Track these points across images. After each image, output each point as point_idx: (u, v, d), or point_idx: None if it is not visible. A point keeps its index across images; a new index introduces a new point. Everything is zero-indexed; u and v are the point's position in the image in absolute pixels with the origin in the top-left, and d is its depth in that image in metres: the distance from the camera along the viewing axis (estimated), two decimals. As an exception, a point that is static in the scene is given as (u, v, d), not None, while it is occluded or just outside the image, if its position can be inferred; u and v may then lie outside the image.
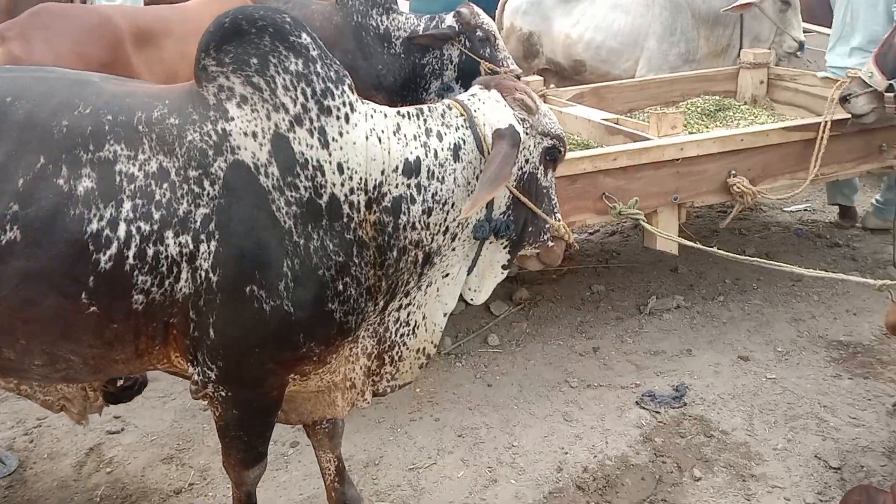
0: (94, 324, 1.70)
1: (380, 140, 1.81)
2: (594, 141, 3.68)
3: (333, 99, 1.77)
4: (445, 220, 1.89)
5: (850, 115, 3.35)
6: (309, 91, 1.75)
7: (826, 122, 3.35)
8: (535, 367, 3.31)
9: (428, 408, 3.06)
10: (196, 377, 1.84)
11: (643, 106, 4.39)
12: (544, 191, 2.05)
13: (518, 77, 4.13)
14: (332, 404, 2.10)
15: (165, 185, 1.69)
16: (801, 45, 4.82)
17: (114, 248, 1.65)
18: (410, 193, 1.83)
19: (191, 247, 1.69)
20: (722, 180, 3.29)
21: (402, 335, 2.03)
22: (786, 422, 2.92)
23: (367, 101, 1.89)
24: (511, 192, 1.96)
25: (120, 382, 2.29)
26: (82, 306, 1.67)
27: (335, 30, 3.82)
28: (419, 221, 1.85)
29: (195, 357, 1.80)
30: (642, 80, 4.50)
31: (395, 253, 1.85)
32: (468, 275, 2.05)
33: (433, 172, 1.85)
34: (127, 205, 1.66)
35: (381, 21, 3.85)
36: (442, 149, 1.88)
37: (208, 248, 1.69)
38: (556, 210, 2.10)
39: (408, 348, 2.05)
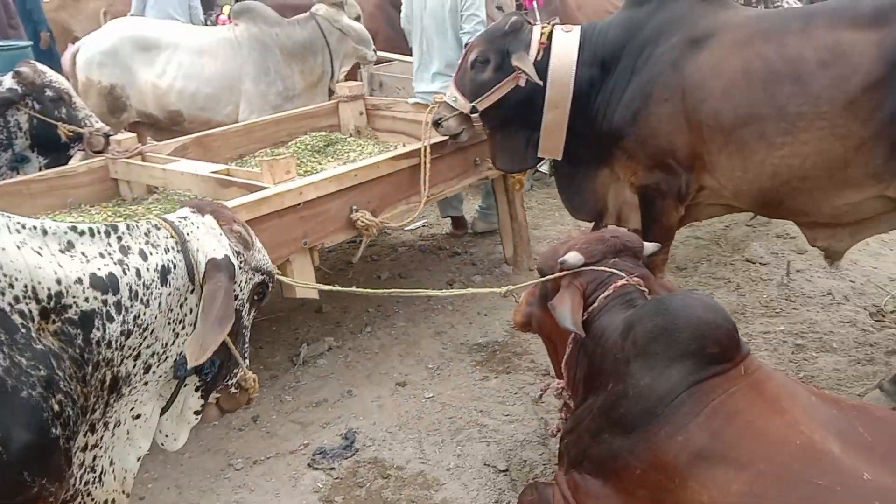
0: None
1: (40, 252, 1.56)
2: (208, 196, 3.40)
3: None
4: (140, 345, 1.72)
5: (446, 137, 3.60)
6: None
7: (426, 147, 3.55)
8: (191, 459, 2.93)
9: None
10: None
11: (253, 150, 4.23)
12: (244, 331, 1.95)
13: (107, 136, 3.68)
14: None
15: None
16: (375, 52, 5.24)
17: None
18: (107, 310, 1.63)
19: None
20: (346, 217, 3.28)
21: (86, 482, 1.71)
22: (452, 437, 3.00)
23: (10, 215, 1.59)
24: None
25: None
26: None
27: None
28: (115, 341, 1.66)
29: None
30: (247, 125, 4.34)
31: (90, 368, 1.62)
32: (161, 417, 1.89)
33: (136, 293, 1.69)
34: None
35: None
36: (147, 269, 1.72)
37: None
38: (246, 355, 1.99)
39: (93, 499, 1.73)
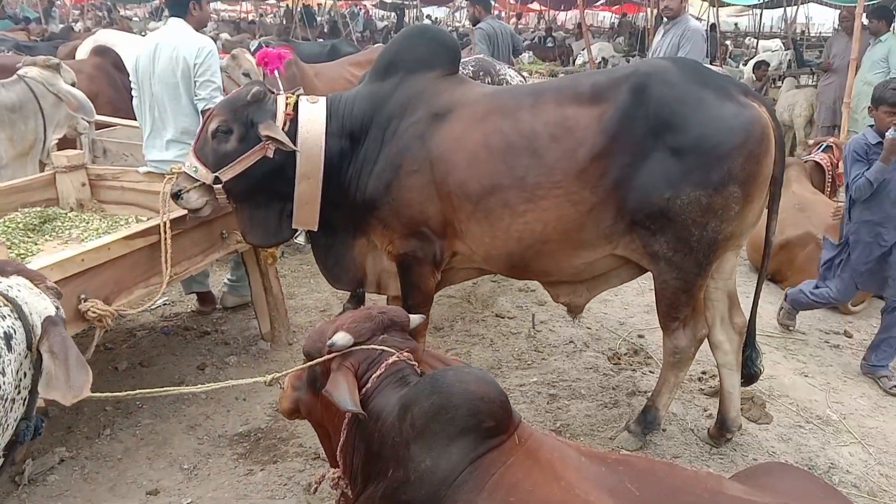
0: None
1: None
2: None
3: None
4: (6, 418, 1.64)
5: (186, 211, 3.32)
6: None
7: (165, 222, 3.24)
8: None
9: None
10: None
11: (-47, 234, 3.56)
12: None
13: None
14: None
15: None
16: (92, 123, 4.86)
17: None
18: None
19: None
20: (74, 308, 2.84)
21: None
22: (217, 547, 2.69)
23: None
24: None
25: None
26: None
27: None
28: None
29: None
30: (-63, 203, 3.66)
31: None
32: None
33: None
34: None
35: None
36: None
37: None
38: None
39: None
